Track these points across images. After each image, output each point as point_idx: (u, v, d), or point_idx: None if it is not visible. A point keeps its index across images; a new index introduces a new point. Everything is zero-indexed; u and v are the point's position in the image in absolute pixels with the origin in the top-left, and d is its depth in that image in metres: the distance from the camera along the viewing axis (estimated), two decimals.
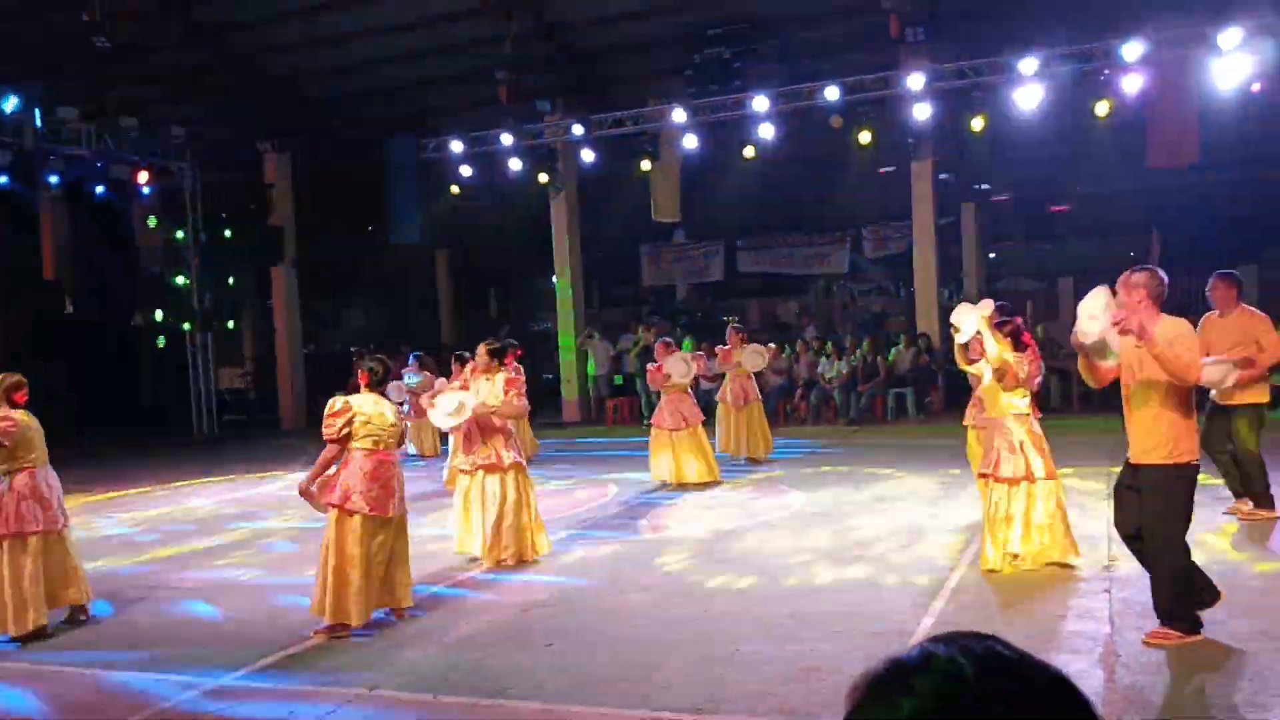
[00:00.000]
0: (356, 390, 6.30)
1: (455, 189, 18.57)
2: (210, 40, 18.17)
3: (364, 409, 6.17)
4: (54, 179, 16.28)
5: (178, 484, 13.20)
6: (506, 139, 17.26)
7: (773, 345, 13.73)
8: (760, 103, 15.63)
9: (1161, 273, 5.20)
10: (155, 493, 12.55)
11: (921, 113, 15.18)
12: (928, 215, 17.04)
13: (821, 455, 13.07)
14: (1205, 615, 5.17)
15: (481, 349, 7.88)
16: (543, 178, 17.68)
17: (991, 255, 24.15)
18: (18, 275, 20.02)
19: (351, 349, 22.65)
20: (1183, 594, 5.14)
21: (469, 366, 8.32)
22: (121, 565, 8.42)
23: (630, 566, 7.51)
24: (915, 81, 14.87)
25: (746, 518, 9.13)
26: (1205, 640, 5.13)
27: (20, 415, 6.45)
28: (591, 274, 22.17)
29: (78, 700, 5.35)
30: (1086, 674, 4.86)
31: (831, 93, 15.27)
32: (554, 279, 19.71)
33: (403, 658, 5.61)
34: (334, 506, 6.07)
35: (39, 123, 15.64)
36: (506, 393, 7.62)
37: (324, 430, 6.15)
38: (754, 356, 12.44)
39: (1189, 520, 5.14)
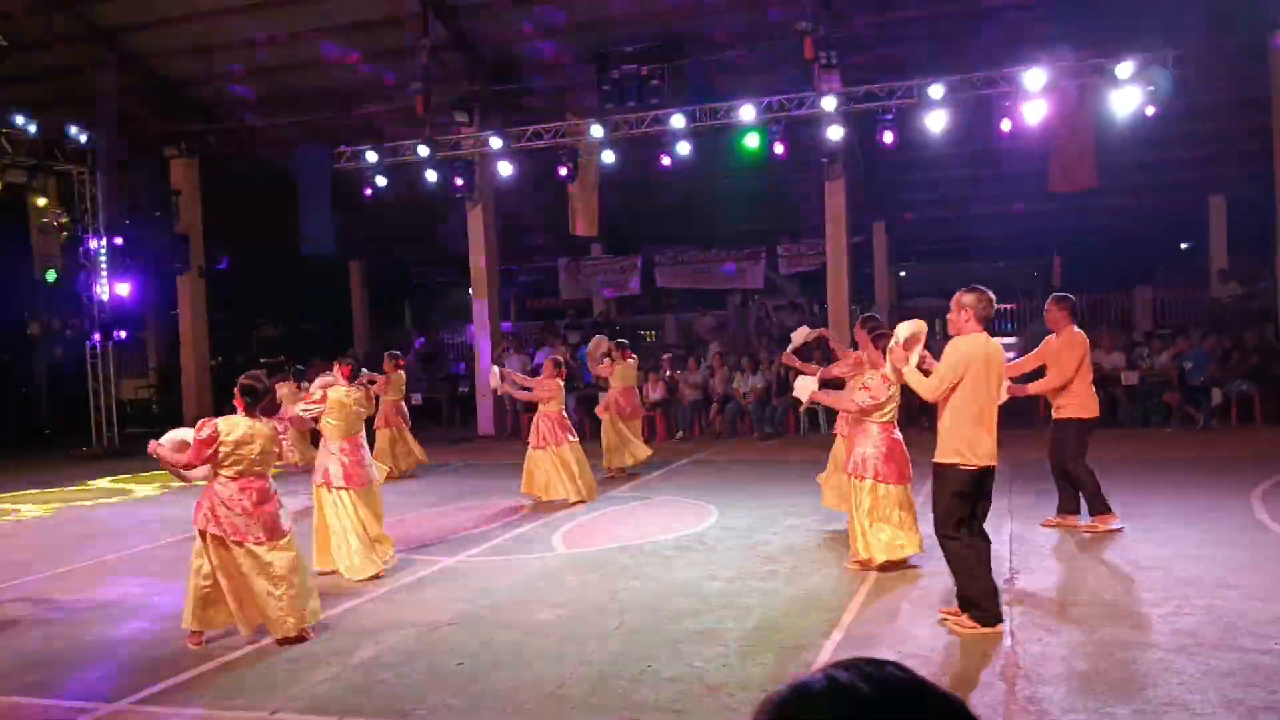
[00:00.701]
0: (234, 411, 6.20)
1: (369, 193, 18.30)
2: (109, 41, 17.65)
3: (233, 435, 6.07)
4: None
5: (74, 498, 12.70)
6: (423, 150, 17.08)
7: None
8: (677, 120, 15.77)
9: (990, 294, 5.96)
10: (48, 505, 12.05)
11: (834, 133, 15.49)
12: (841, 233, 17.37)
13: (736, 468, 13.19)
14: (1116, 632, 5.36)
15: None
16: (459, 181, 17.49)
17: (901, 273, 24.77)
18: None
19: (262, 360, 22.25)
20: (966, 582, 5.78)
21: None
22: (6, 582, 8.05)
23: (540, 584, 7.46)
24: (828, 103, 15.16)
25: (658, 533, 9.14)
26: (1107, 653, 5.32)
27: None
28: (509, 285, 22.09)
29: None
30: (988, 685, 4.98)
31: (747, 112, 15.50)
32: (469, 291, 19.55)
33: (306, 680, 5.47)
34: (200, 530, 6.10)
35: None
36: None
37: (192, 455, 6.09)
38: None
39: (954, 513, 5.83)
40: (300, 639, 6.06)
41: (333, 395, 8.11)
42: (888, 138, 15.25)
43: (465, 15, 16.78)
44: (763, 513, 9.86)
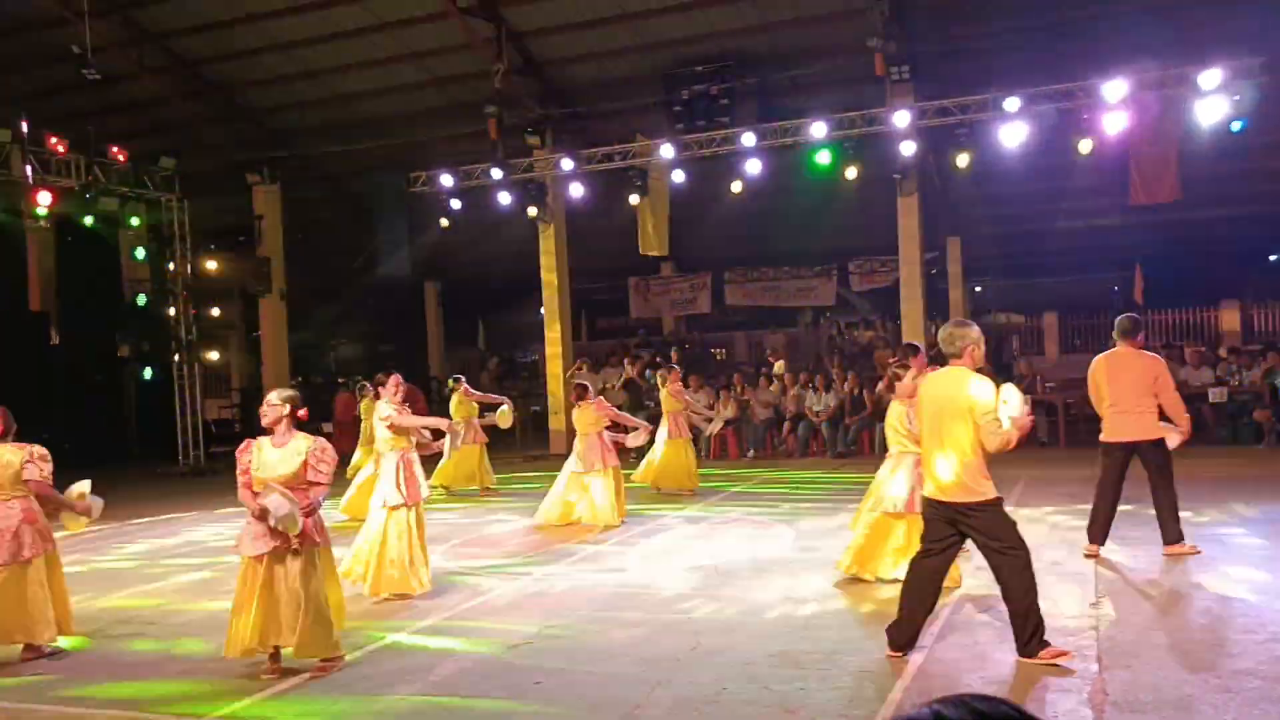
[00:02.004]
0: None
1: (444, 221, 18.64)
2: (194, 72, 18.28)
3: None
4: (42, 211, 16.24)
5: (167, 516, 13.10)
6: (496, 173, 17.35)
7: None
8: (747, 138, 15.79)
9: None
10: (145, 525, 12.44)
11: (907, 149, 15.36)
12: (914, 249, 17.17)
13: (809, 487, 13.08)
14: (1206, 658, 5.18)
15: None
16: (531, 211, 17.78)
17: (976, 289, 24.36)
18: (3, 306, 19.95)
19: (339, 379, 22.73)
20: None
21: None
22: (107, 600, 8.32)
23: (616, 603, 7.48)
24: (901, 119, 15.05)
25: (733, 553, 9.10)
26: (1199, 679, 5.15)
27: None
28: (580, 306, 22.25)
29: None
30: (1075, 713, 4.86)
31: (818, 129, 15.44)
32: (541, 311, 19.76)
33: (387, 700, 5.56)
34: (324, 544, 6.07)
35: (28, 154, 15.65)
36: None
37: (326, 478, 6.06)
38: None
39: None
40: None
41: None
42: (962, 152, 15.07)
43: (536, 40, 17.04)
44: (837, 533, 9.74)
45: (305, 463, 5.93)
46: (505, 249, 21.39)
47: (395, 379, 8.56)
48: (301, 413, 6.18)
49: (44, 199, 15.99)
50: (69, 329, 20.69)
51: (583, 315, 25.77)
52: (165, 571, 9.53)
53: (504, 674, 5.87)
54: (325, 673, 5.89)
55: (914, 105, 15.28)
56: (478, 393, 13.85)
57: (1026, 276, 23.15)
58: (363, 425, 13.29)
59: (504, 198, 17.75)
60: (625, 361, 20.00)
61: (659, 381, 13.28)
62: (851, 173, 15.67)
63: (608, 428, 11.00)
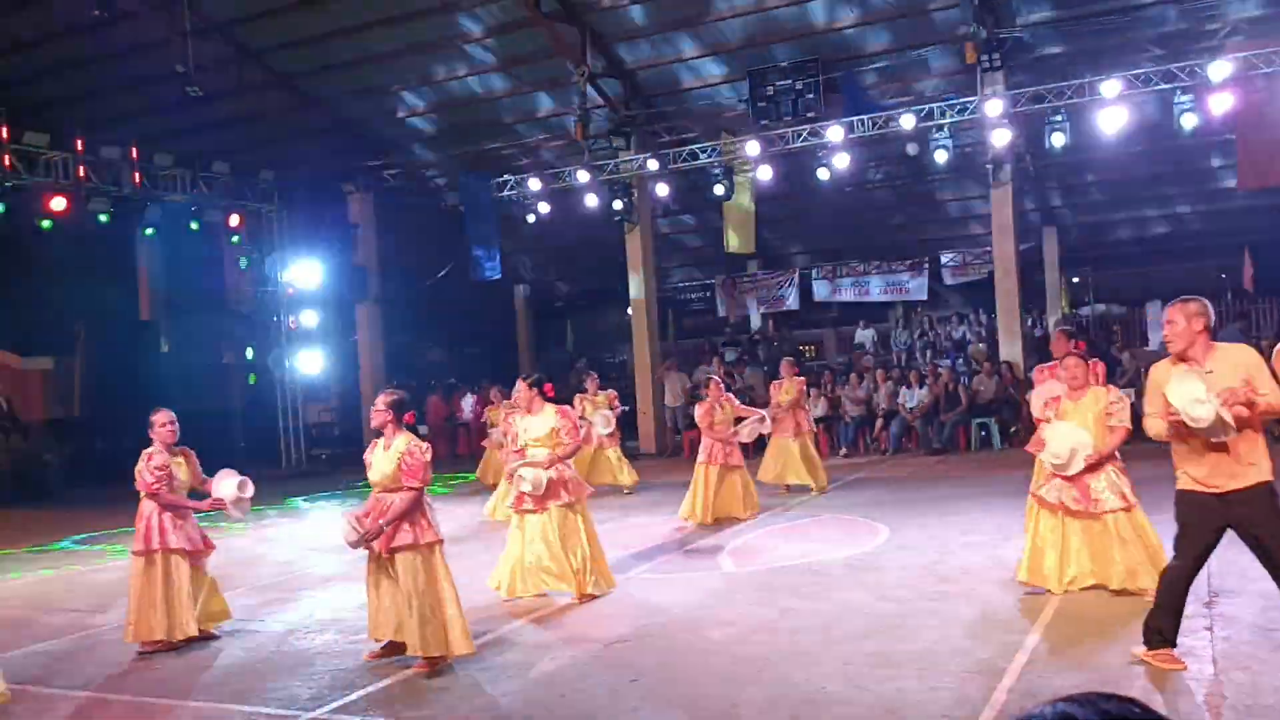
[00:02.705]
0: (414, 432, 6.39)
1: (531, 220, 18.85)
2: (290, 86, 18.83)
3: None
4: (151, 224, 16.94)
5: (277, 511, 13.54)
6: (582, 175, 17.51)
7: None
8: (834, 133, 15.63)
9: (1206, 301, 5.09)
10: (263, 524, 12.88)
11: (1000, 138, 15.02)
12: (1008, 240, 16.77)
13: (904, 485, 12.88)
14: None
15: (520, 384, 7.86)
16: (617, 204, 17.84)
17: (1074, 279, 23.67)
18: (116, 317, 20.87)
19: (431, 383, 23.20)
20: None
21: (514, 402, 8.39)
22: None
23: (710, 602, 7.48)
24: (993, 107, 14.72)
25: (826, 551, 9.03)
26: None
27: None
28: (667, 305, 22.29)
29: None
30: (1192, 716, 4.70)
31: (907, 120, 15.21)
32: (629, 311, 19.85)
33: (486, 695, 5.66)
34: (427, 545, 6.10)
35: (137, 170, 16.36)
36: (557, 431, 7.54)
37: (416, 480, 6.06)
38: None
39: None
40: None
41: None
42: (1058, 140, 14.67)
43: (620, 42, 17.13)
44: (935, 531, 9.59)
45: (398, 464, 6.06)
46: (592, 251, 21.58)
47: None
48: (406, 415, 6.32)
49: (153, 212, 16.68)
50: (177, 337, 21.53)
51: (669, 315, 25.81)
52: (260, 573, 9.86)
53: (602, 671, 5.93)
54: (426, 670, 6.02)
55: (1006, 93, 14.94)
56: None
57: (1127, 265, 22.39)
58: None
59: (590, 200, 17.89)
60: (716, 361, 19.98)
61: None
62: (942, 164, 15.38)
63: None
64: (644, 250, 18.95)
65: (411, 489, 6.00)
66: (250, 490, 7.25)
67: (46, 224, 15.76)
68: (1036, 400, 7.33)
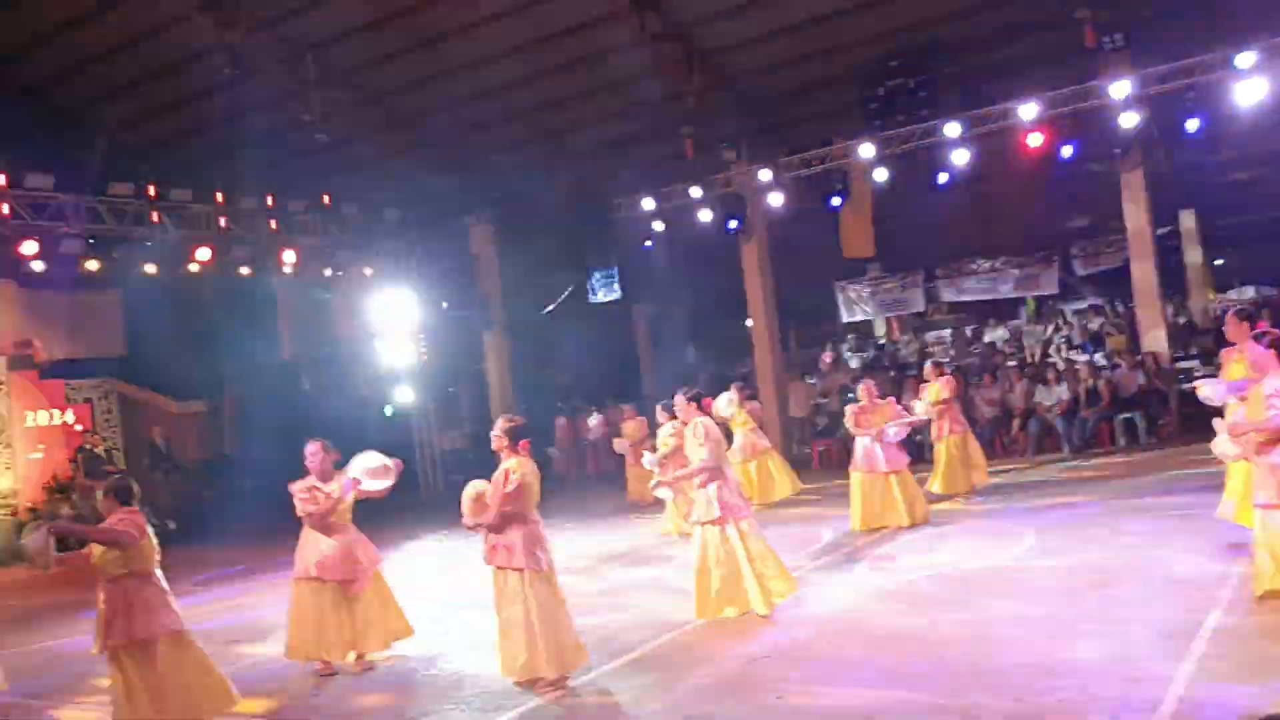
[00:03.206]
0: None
1: (648, 243, 18.99)
2: (409, 125, 19.49)
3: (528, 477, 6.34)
4: (288, 268, 17.75)
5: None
6: (695, 191, 17.56)
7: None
8: (952, 128, 15.27)
9: None
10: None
11: (1128, 121, 14.40)
12: (1143, 226, 16.05)
13: (1046, 487, 12.42)
14: None
15: (679, 398, 7.89)
16: (732, 224, 17.83)
17: (1217, 262, 22.46)
18: (259, 359, 21.93)
19: (558, 405, 23.55)
20: None
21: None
22: None
23: (852, 614, 7.35)
24: (1119, 89, 14.15)
25: (970, 559, 8.77)
26: None
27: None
28: (787, 315, 22.10)
29: None
30: None
31: (1028, 110, 14.75)
32: (748, 323, 19.75)
33: (643, 708, 5.69)
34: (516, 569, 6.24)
35: (273, 216, 17.21)
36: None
37: (497, 502, 6.30)
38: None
39: None
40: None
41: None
42: (1190, 119, 13.99)
43: (726, 55, 17.13)
44: (1083, 534, 9.21)
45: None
46: (708, 265, 21.55)
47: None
48: (521, 441, 6.46)
49: (289, 256, 17.49)
50: (316, 374, 22.46)
51: (789, 324, 25.56)
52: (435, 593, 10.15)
53: (745, 689, 5.90)
54: (535, 689, 6.12)
55: (1132, 74, 14.33)
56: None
57: (1274, 244, 21.11)
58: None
59: (704, 214, 17.91)
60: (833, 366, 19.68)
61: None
62: (1068, 152, 14.83)
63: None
64: (760, 260, 18.85)
65: (491, 508, 6.27)
66: (386, 463, 7.56)
67: (193, 268, 16.66)
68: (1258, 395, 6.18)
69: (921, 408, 12.05)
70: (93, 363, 19.41)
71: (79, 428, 18.46)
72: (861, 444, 10.87)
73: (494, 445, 6.47)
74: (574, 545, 11.44)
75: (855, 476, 10.86)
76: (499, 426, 6.50)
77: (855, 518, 10.75)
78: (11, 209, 14.23)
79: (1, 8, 15.52)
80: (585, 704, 5.97)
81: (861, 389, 11.27)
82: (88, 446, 18.21)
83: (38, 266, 15.00)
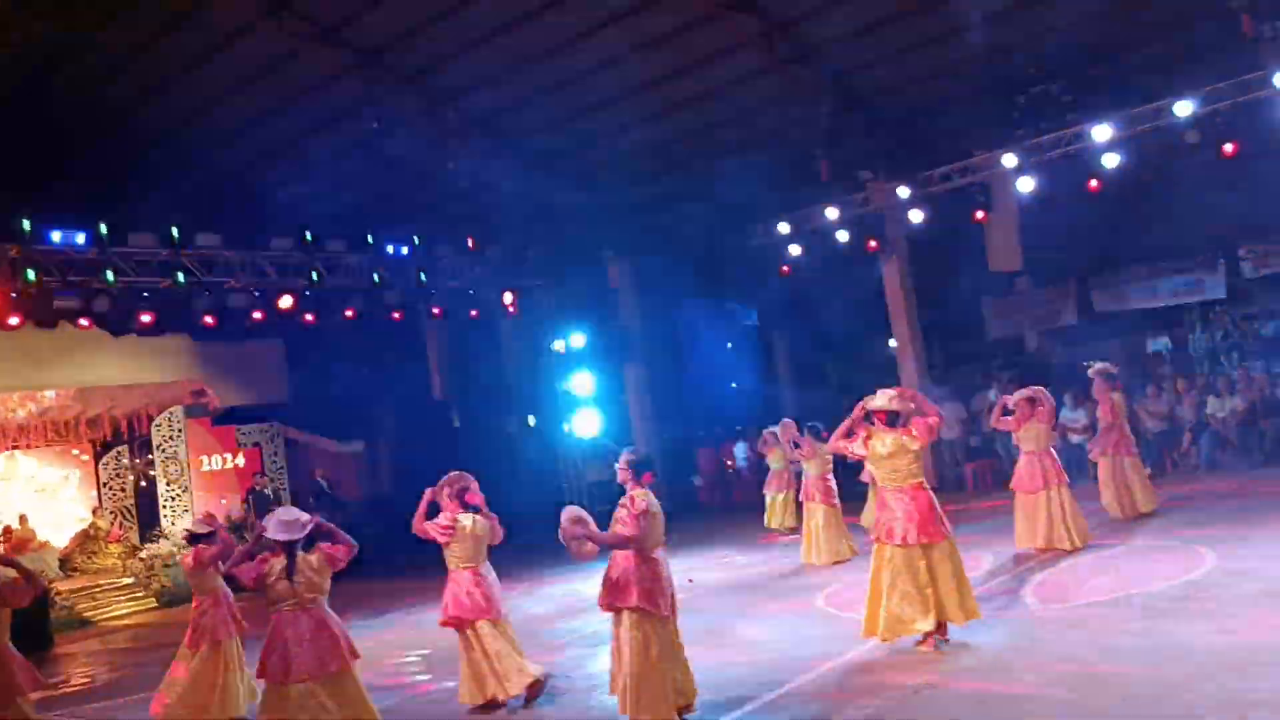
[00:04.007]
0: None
1: (785, 269, 18.85)
2: (545, 165, 19.99)
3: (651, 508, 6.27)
4: (436, 310, 18.39)
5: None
6: (831, 213, 17.36)
7: None
8: (1101, 132, 14.65)
9: None
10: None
11: None
12: None
13: (1224, 505, 11.64)
14: None
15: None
16: (871, 244, 17.52)
17: None
18: (413, 399, 22.73)
19: (700, 434, 23.54)
20: None
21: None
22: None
23: (1020, 644, 7.04)
24: None
25: (1144, 583, 8.28)
26: None
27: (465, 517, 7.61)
28: (932, 333, 21.52)
29: None
30: None
31: (1183, 108, 14.03)
32: (891, 343, 19.32)
33: None
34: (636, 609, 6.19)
35: (422, 264, 17.89)
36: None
37: (620, 525, 6.30)
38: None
39: None
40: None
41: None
42: None
43: (859, 75, 16.94)
44: (1269, 553, 8.59)
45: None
46: (848, 287, 21.22)
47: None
48: (645, 474, 6.46)
49: (438, 299, 18.13)
50: (466, 412, 23.13)
51: (935, 343, 24.89)
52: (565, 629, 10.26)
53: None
54: None
55: None
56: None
57: None
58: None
59: (842, 235, 17.67)
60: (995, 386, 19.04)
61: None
62: (1229, 148, 14.01)
63: None
64: (902, 279, 18.45)
65: (617, 533, 6.25)
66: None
67: (348, 314, 17.43)
68: None
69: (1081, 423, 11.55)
70: (260, 409, 20.53)
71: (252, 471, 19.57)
72: (1024, 460, 10.44)
73: (619, 478, 6.53)
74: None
75: (1018, 496, 10.43)
76: (622, 459, 6.57)
77: (1020, 537, 10.32)
78: (185, 268, 15.24)
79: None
80: None
81: (1017, 399, 10.68)
82: (258, 488, 19.25)
83: (209, 320, 15.98)
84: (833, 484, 12.19)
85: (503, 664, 7.32)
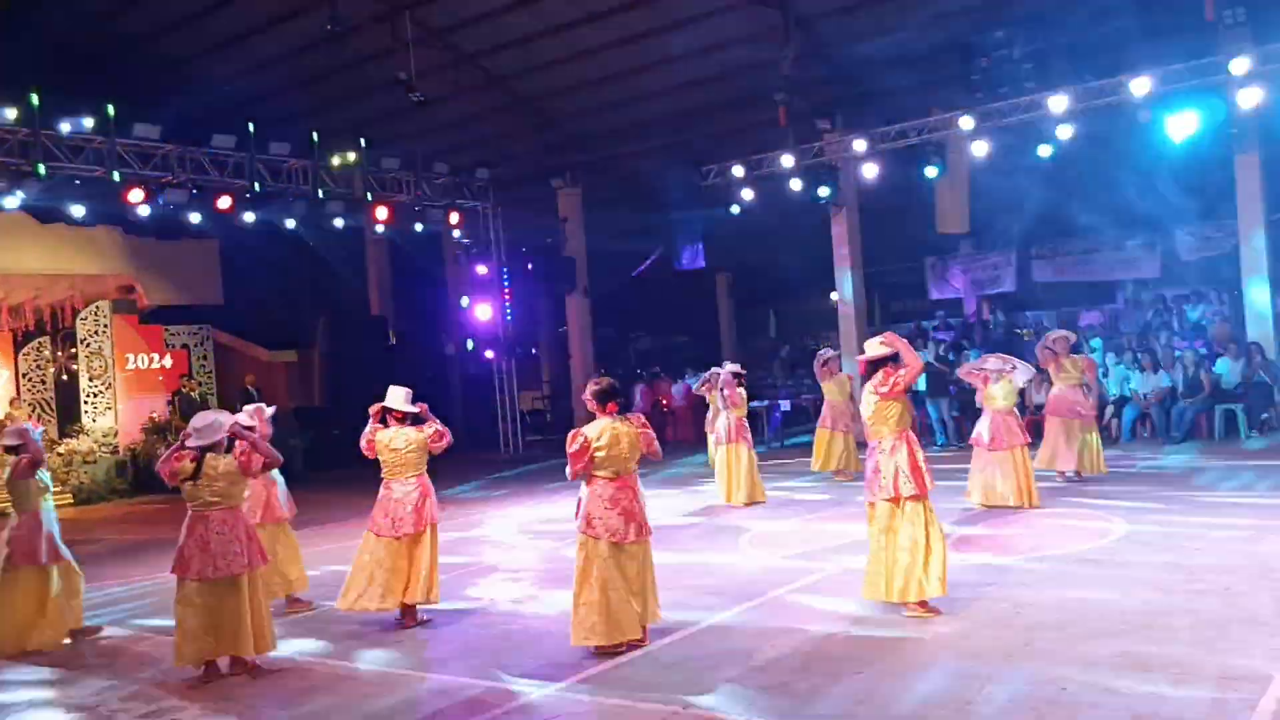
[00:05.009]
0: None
1: (735, 210, 18.81)
2: (503, 86, 19.57)
3: (600, 439, 6.27)
4: (380, 225, 18.00)
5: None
6: (787, 160, 17.30)
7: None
8: (1058, 102, 14.74)
9: None
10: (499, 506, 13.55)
11: (1247, 99, 13.73)
12: (1256, 212, 15.38)
13: (1138, 477, 12.04)
14: None
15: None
16: (823, 190, 17.49)
17: None
18: (350, 312, 22.33)
19: (639, 370, 23.62)
20: None
21: None
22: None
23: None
24: (1238, 65, 13.48)
25: (1056, 545, 8.56)
26: None
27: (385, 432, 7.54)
28: (873, 289, 21.73)
29: (411, 697, 5.84)
30: None
31: (1139, 85, 14.15)
32: (833, 296, 19.49)
33: (710, 679, 5.70)
34: (581, 533, 6.30)
35: (367, 174, 17.44)
36: None
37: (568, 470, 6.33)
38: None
39: None
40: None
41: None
42: None
43: (825, 21, 16.81)
44: (1178, 526, 8.93)
45: None
46: (796, 236, 21.30)
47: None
48: (609, 403, 6.43)
49: (381, 213, 17.74)
50: (402, 330, 22.86)
51: (876, 298, 25.16)
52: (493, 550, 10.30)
53: (821, 662, 5.86)
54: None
55: (1254, 49, 13.64)
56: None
57: None
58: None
59: (795, 184, 17.64)
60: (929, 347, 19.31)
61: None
62: (1181, 130, 14.21)
63: None
64: (850, 233, 18.55)
65: (572, 469, 6.28)
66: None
67: (289, 221, 16.99)
68: None
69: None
70: (191, 310, 20.04)
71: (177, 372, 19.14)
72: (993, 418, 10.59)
73: (588, 407, 6.50)
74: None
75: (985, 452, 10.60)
76: (587, 390, 6.53)
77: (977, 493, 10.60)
78: (120, 157, 14.67)
79: None
80: (664, 661, 5.99)
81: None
82: (184, 390, 18.86)
83: (143, 213, 15.45)
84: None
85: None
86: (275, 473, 7.81)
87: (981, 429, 10.68)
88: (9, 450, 7.85)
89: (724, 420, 12.58)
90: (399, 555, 7.28)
